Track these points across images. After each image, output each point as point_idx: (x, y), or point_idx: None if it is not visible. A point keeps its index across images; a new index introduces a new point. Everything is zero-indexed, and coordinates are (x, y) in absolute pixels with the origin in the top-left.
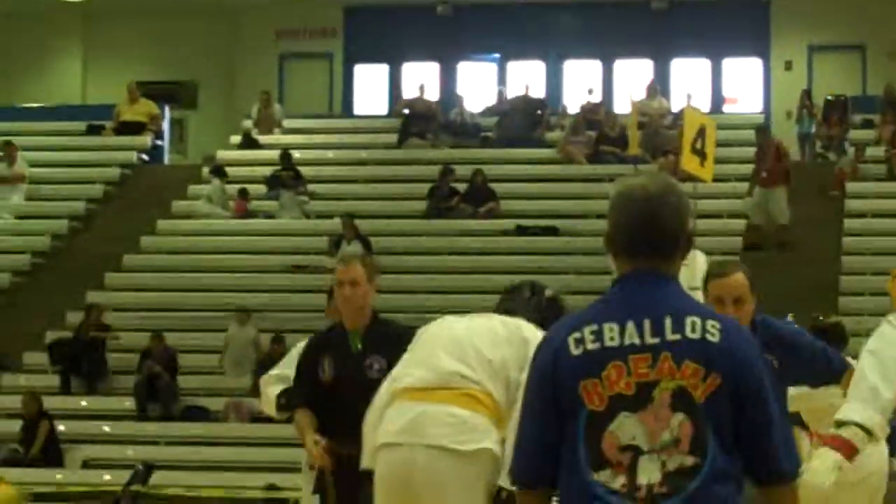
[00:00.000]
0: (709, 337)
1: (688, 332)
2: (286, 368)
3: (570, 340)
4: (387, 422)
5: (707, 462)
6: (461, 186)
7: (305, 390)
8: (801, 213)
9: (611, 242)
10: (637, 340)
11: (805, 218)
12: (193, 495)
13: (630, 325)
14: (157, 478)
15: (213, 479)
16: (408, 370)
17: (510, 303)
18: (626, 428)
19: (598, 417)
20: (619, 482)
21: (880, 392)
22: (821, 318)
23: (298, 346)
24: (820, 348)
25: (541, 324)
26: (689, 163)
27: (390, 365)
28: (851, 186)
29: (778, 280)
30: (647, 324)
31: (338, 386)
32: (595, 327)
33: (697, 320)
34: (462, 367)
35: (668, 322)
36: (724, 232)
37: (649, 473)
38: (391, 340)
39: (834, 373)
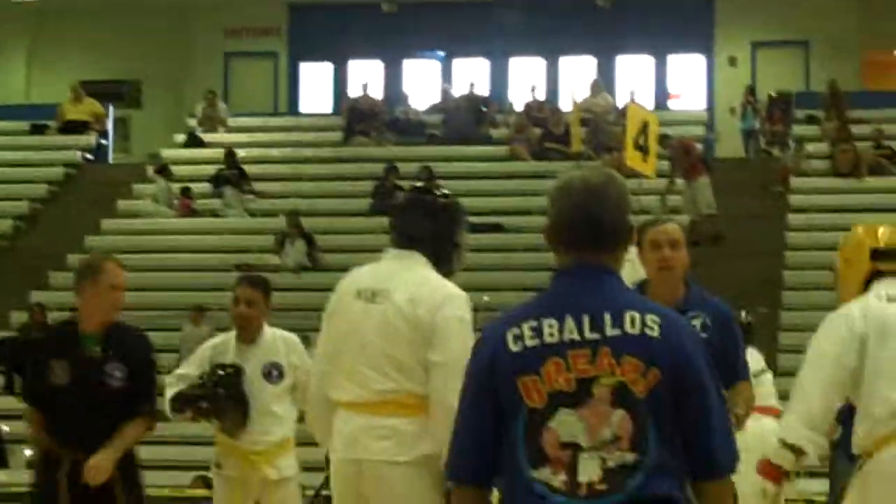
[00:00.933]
0: (648, 332)
1: (627, 328)
2: (190, 367)
3: (509, 336)
4: (335, 433)
5: (648, 458)
6: (406, 184)
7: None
8: (745, 209)
9: (551, 236)
10: (576, 336)
11: (749, 213)
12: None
13: (569, 321)
14: None
15: (168, 478)
16: (339, 382)
17: (407, 226)
18: (566, 425)
19: (538, 414)
20: (559, 479)
21: (816, 404)
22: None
23: (206, 345)
24: (741, 348)
25: (440, 233)
26: (632, 158)
27: (131, 373)
28: (795, 182)
29: (720, 275)
30: (586, 319)
31: (72, 390)
32: (534, 323)
33: (637, 315)
34: (387, 383)
35: (607, 317)
36: None
37: (590, 471)
38: (130, 347)
39: (733, 378)
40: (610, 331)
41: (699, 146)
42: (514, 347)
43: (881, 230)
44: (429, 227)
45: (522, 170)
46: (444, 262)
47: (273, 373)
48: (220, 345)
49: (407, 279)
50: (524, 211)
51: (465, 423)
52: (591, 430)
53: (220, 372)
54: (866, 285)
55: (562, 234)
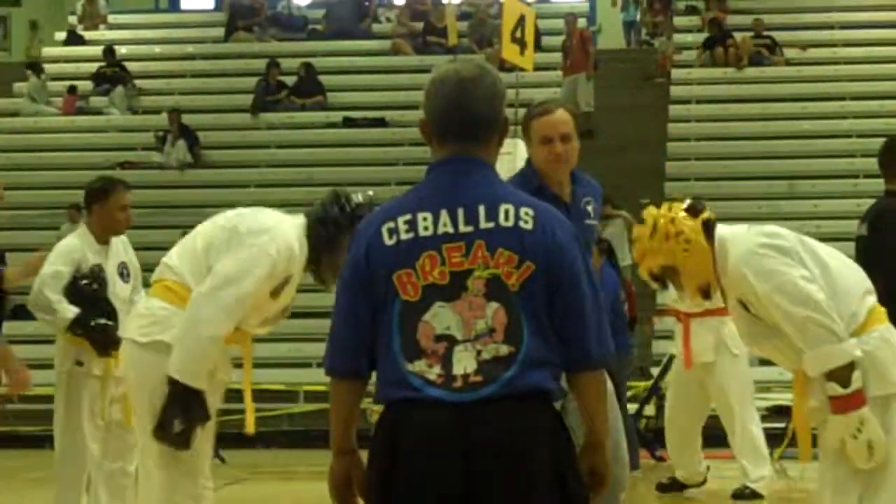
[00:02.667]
0: (522, 224)
1: (501, 220)
2: (58, 265)
3: (384, 231)
4: None
5: (522, 350)
6: (289, 80)
7: None
8: (627, 101)
9: (425, 129)
10: (451, 229)
11: (630, 105)
12: (27, 394)
13: (444, 214)
14: None
15: (44, 376)
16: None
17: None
18: (441, 318)
19: (413, 308)
20: (434, 372)
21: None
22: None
23: (66, 245)
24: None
25: (322, 221)
26: (508, 52)
27: None
28: (676, 73)
29: (603, 166)
30: (460, 212)
31: None
32: (409, 217)
33: (511, 208)
34: (170, 260)
35: (481, 210)
36: None
37: (464, 363)
38: None
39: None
40: (484, 223)
41: None
42: (388, 241)
43: None
44: (321, 213)
45: (405, 64)
46: (313, 245)
47: (124, 272)
48: (78, 246)
49: (268, 213)
50: (407, 105)
51: (342, 317)
52: (465, 322)
53: (94, 286)
54: None
55: (436, 127)
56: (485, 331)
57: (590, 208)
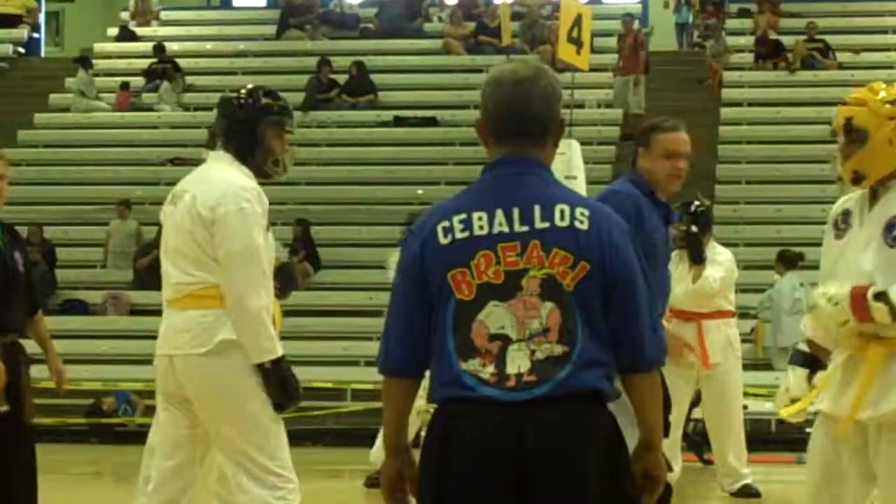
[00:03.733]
0: (578, 224)
1: (557, 220)
2: None
3: (439, 229)
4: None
5: (576, 350)
6: (340, 78)
7: None
8: (678, 102)
9: (481, 129)
10: (506, 228)
11: (682, 107)
12: (73, 388)
13: (499, 214)
14: (34, 371)
15: (92, 372)
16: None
17: (214, 126)
18: (495, 317)
19: (467, 307)
20: (488, 371)
21: None
22: (695, 203)
23: None
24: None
25: (235, 129)
26: (565, 52)
27: (26, 261)
28: (728, 76)
29: None
30: (516, 212)
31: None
32: (464, 216)
33: (566, 208)
34: (183, 277)
35: (537, 210)
36: (602, 121)
37: (518, 362)
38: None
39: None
40: (539, 223)
41: None
42: (444, 240)
43: None
44: (224, 124)
45: (456, 63)
46: (245, 158)
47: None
48: None
49: (203, 178)
50: (458, 105)
51: (396, 315)
52: (519, 322)
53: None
54: None
55: (491, 127)
56: (539, 330)
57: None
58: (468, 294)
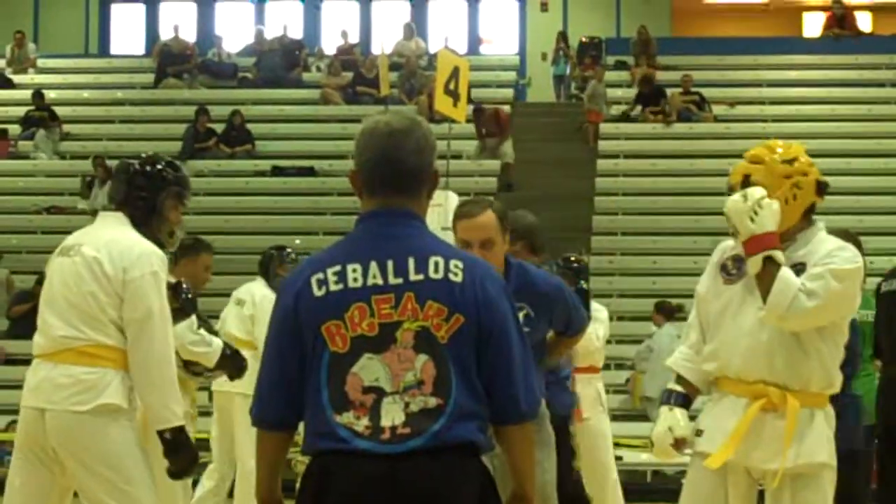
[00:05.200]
0: (452, 277)
1: (431, 272)
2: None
3: (313, 282)
4: (25, 384)
5: (450, 403)
6: (218, 127)
7: None
8: (554, 154)
9: (355, 180)
10: (380, 281)
11: (559, 158)
12: None
13: (373, 266)
14: None
15: None
16: (35, 337)
17: (112, 190)
18: (370, 369)
19: (342, 359)
20: (362, 424)
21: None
22: (572, 257)
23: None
24: (571, 305)
25: (135, 196)
26: (441, 104)
27: None
28: (604, 128)
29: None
30: (390, 264)
31: None
32: (338, 268)
33: (440, 260)
34: (69, 331)
35: (411, 262)
36: (479, 172)
37: (393, 415)
38: None
39: (575, 330)
40: (414, 275)
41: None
42: (318, 292)
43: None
44: (124, 190)
45: (334, 113)
46: (141, 224)
47: None
48: None
49: (101, 235)
50: (336, 155)
51: (270, 368)
52: (394, 374)
53: None
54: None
55: (365, 178)
56: (413, 383)
57: (521, 315)
58: (342, 346)
